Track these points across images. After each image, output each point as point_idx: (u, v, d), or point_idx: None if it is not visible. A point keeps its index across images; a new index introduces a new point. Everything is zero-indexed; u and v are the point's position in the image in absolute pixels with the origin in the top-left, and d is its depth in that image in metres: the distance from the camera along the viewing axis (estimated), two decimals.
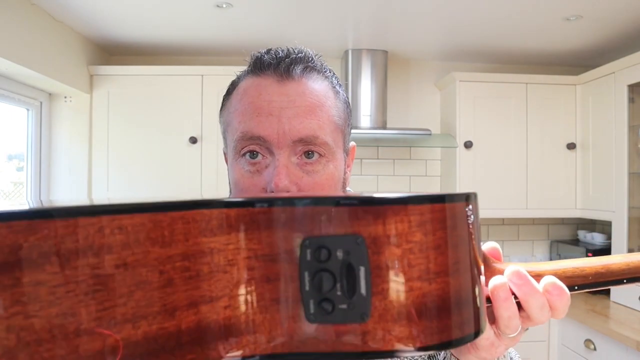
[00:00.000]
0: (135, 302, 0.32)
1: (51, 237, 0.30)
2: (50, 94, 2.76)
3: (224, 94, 0.71)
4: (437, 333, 0.37)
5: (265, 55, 0.65)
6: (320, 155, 0.63)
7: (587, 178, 2.88)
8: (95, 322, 0.31)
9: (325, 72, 0.68)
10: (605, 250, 2.77)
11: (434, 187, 3.26)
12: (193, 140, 2.78)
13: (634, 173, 2.51)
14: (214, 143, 2.79)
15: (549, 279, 0.45)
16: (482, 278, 0.43)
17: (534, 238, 3.33)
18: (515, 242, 3.31)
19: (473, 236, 0.40)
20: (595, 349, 2.35)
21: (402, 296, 0.36)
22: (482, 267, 0.44)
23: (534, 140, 2.96)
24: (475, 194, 0.41)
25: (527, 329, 0.48)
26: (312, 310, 0.36)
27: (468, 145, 2.91)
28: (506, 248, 3.30)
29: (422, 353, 0.37)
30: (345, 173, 0.70)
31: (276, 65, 0.63)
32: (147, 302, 0.33)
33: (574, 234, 3.33)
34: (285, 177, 0.60)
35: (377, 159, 3.24)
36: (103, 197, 2.80)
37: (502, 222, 3.30)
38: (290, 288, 0.36)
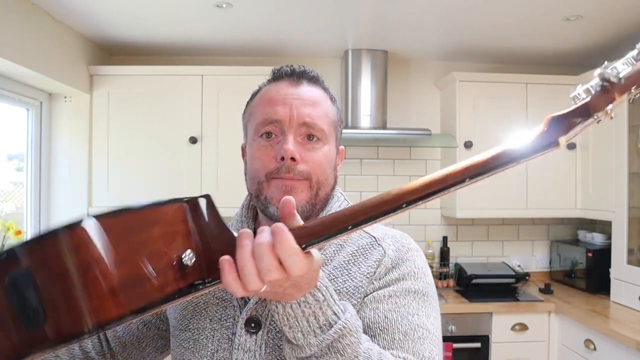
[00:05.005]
0: None
1: None
2: (50, 94, 2.76)
3: (248, 100, 0.91)
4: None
5: (283, 68, 0.87)
6: (317, 138, 0.83)
7: (587, 178, 2.88)
8: None
9: (324, 87, 0.89)
10: (606, 250, 2.77)
11: None
12: (193, 140, 2.78)
13: (634, 173, 2.51)
14: (213, 143, 2.79)
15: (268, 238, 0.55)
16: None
17: (534, 238, 3.33)
18: (515, 242, 3.31)
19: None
20: (595, 349, 2.35)
21: None
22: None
23: None
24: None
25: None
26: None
27: (468, 145, 2.91)
28: (506, 248, 3.30)
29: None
30: (336, 163, 0.88)
31: (290, 74, 0.86)
32: None
33: (574, 234, 3.33)
34: (292, 145, 0.80)
35: (377, 159, 3.24)
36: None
37: (502, 222, 3.29)
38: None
